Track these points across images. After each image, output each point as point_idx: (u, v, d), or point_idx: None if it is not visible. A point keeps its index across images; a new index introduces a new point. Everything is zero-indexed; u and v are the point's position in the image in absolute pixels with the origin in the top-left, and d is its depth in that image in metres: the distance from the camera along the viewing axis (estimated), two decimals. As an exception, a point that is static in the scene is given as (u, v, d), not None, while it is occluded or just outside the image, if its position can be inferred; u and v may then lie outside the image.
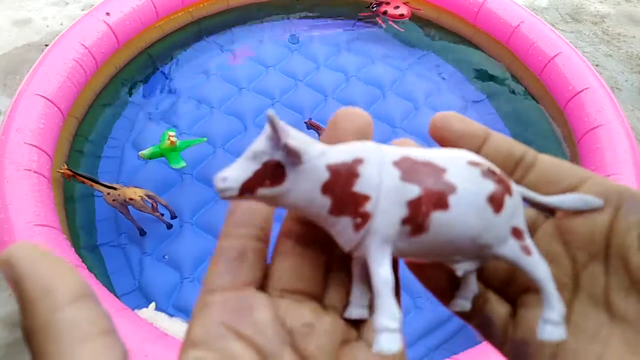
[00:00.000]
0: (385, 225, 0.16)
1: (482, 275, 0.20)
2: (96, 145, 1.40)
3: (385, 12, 1.68)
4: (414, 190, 0.16)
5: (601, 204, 0.17)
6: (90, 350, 0.12)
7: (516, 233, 0.18)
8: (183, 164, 1.25)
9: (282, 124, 0.16)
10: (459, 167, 0.17)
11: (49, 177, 1.15)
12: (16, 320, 1.15)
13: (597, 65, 1.87)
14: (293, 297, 0.18)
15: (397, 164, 0.17)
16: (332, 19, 1.82)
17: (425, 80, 1.63)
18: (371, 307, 0.18)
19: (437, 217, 0.16)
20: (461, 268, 0.18)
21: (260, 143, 0.16)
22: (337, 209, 0.16)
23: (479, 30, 1.67)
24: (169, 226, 1.23)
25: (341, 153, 0.17)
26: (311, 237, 0.18)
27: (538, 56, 1.50)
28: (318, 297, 0.18)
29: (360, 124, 0.18)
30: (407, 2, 1.70)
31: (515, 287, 0.20)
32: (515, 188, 0.18)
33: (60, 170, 1.18)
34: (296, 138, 0.16)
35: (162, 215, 1.21)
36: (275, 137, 0.16)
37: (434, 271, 0.20)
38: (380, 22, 1.72)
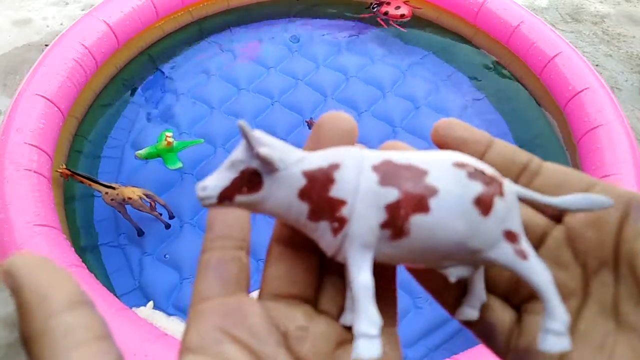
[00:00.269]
0: (362, 229, 0.16)
1: (486, 281, 0.19)
2: (96, 145, 1.40)
3: (386, 13, 1.68)
4: (392, 194, 0.16)
5: (611, 203, 0.17)
6: (85, 355, 0.13)
7: (509, 236, 0.17)
8: (179, 164, 1.25)
9: (254, 133, 0.16)
10: (442, 169, 0.17)
11: (49, 177, 1.15)
12: (16, 320, 1.15)
13: (597, 65, 1.87)
14: (286, 301, 0.18)
15: (377, 167, 0.16)
16: (332, 19, 1.82)
17: (425, 80, 1.63)
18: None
19: (418, 221, 0.16)
20: (453, 274, 0.18)
21: (238, 152, 0.17)
22: (315, 215, 0.16)
23: (479, 30, 1.67)
24: (168, 226, 1.23)
25: (318, 159, 0.17)
26: (302, 241, 0.18)
27: (538, 56, 1.50)
28: (311, 301, 0.18)
29: (345, 128, 0.18)
30: (407, 2, 1.70)
31: (520, 293, 0.19)
32: (511, 189, 0.17)
33: (59, 170, 1.18)
34: (272, 146, 0.16)
35: (161, 214, 1.21)
36: (249, 146, 0.16)
37: (435, 274, 0.20)
38: (381, 22, 1.71)
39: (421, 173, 0.16)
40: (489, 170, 0.17)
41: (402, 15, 1.68)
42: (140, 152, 1.24)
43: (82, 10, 1.95)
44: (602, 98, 1.33)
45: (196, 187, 0.17)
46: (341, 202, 0.16)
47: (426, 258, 0.17)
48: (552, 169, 0.19)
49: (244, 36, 1.74)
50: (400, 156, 0.17)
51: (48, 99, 1.23)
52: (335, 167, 0.17)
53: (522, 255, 0.17)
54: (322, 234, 0.17)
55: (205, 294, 0.17)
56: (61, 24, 1.88)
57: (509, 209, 0.17)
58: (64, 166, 1.19)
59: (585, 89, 1.36)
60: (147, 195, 1.16)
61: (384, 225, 0.16)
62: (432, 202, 0.16)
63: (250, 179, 0.17)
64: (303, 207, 0.17)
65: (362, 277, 0.16)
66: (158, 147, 1.24)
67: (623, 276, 0.17)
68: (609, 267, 0.17)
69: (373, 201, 0.16)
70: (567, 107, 1.39)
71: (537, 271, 0.17)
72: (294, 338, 0.17)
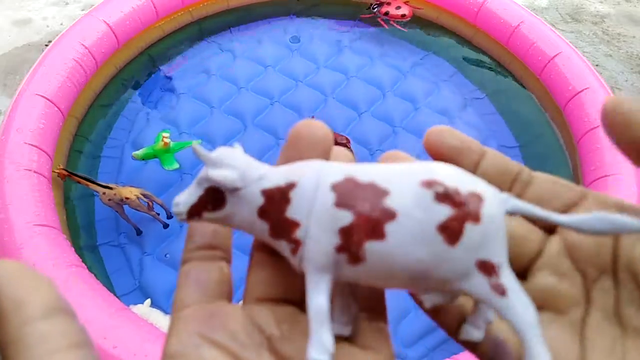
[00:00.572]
0: (317, 253, 0.15)
1: None
2: (96, 145, 1.40)
3: (387, 13, 1.68)
4: (346, 217, 0.15)
5: (638, 225, 0.15)
6: None
7: (484, 267, 0.15)
8: (176, 165, 1.25)
9: (211, 155, 0.16)
10: (406, 189, 0.15)
11: (49, 177, 1.15)
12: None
13: (597, 65, 1.87)
14: (270, 304, 0.18)
15: (336, 187, 0.16)
16: (332, 19, 1.82)
17: (425, 80, 1.63)
18: (355, 320, 0.18)
19: (373, 247, 0.15)
20: (428, 300, 0.17)
21: (203, 170, 0.17)
22: (275, 233, 0.16)
23: (479, 30, 1.67)
24: (165, 225, 1.23)
25: (278, 176, 0.17)
26: None
27: (538, 56, 1.50)
28: (297, 302, 0.18)
29: (319, 137, 0.18)
30: (407, 2, 1.70)
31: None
32: (493, 211, 0.15)
33: (56, 171, 1.18)
34: (232, 166, 0.16)
35: (158, 214, 1.21)
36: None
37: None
38: (382, 23, 1.71)
39: (382, 193, 0.15)
40: (476, 186, 0.15)
41: (403, 16, 1.68)
42: (137, 152, 1.25)
43: (82, 10, 1.95)
44: (602, 98, 1.32)
45: (173, 202, 0.18)
46: (295, 224, 0.16)
47: (391, 284, 0.16)
48: (543, 179, 0.18)
49: (244, 36, 1.74)
50: (365, 172, 0.16)
51: (48, 99, 1.23)
52: (291, 186, 0.16)
53: (499, 290, 0.15)
54: (284, 251, 0.17)
55: (186, 301, 0.18)
56: (61, 24, 1.88)
57: (486, 236, 0.15)
58: (61, 166, 1.20)
59: (585, 89, 1.36)
60: (144, 195, 1.16)
61: (339, 250, 0.15)
62: (389, 228, 0.15)
63: (215, 197, 0.17)
64: (264, 226, 0.16)
65: (315, 301, 0.15)
66: (155, 147, 1.24)
67: (623, 282, 0.17)
68: (609, 274, 0.17)
69: (327, 224, 0.15)
70: (567, 107, 1.39)
71: (517, 311, 0.15)
72: (276, 339, 0.17)
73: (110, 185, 1.16)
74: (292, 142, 0.18)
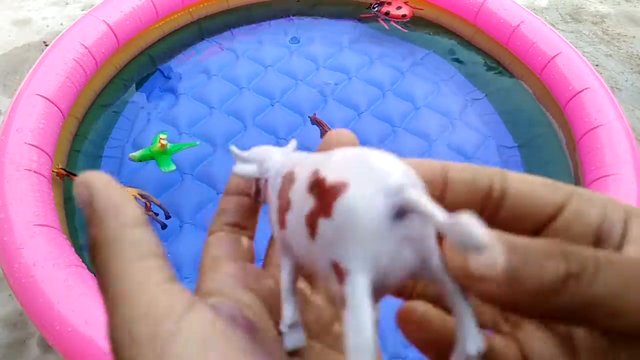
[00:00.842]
0: (275, 234, 0.17)
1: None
2: (96, 145, 1.40)
3: (387, 13, 1.68)
4: (276, 204, 0.17)
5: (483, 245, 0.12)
6: (147, 266, 0.14)
7: (336, 270, 0.13)
8: (173, 167, 1.25)
9: (241, 153, 0.21)
10: (302, 178, 0.15)
11: (49, 177, 1.15)
12: (16, 320, 1.15)
13: (597, 65, 1.87)
14: None
15: (284, 177, 0.17)
16: (333, 19, 1.82)
17: (426, 80, 1.63)
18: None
19: (283, 236, 0.16)
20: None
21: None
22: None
23: (479, 30, 1.67)
24: (164, 226, 1.22)
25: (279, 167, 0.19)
26: None
27: (538, 56, 1.50)
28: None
29: (346, 143, 0.20)
30: (408, 2, 1.70)
31: (510, 319, 0.17)
32: (350, 205, 0.12)
33: (55, 170, 1.18)
34: (256, 160, 0.20)
35: (157, 214, 1.21)
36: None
37: (419, 324, 0.17)
38: (383, 23, 1.71)
39: (291, 183, 0.16)
40: (351, 174, 0.13)
41: (404, 16, 1.68)
42: (134, 154, 1.24)
43: (82, 10, 1.95)
44: (602, 98, 1.33)
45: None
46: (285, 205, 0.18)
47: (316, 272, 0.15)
48: (518, 187, 0.15)
49: (244, 36, 1.74)
50: (304, 163, 0.16)
51: (48, 99, 1.23)
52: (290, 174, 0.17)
53: (340, 299, 0.12)
54: None
55: (217, 254, 0.19)
56: (61, 24, 1.88)
57: (339, 234, 0.13)
58: (60, 166, 1.20)
59: (585, 89, 1.36)
60: (142, 196, 1.16)
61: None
62: (287, 217, 0.15)
63: (257, 188, 0.20)
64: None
65: (281, 278, 0.17)
66: (152, 149, 1.24)
67: None
68: None
69: (275, 212, 0.17)
70: (567, 107, 1.39)
71: (351, 327, 0.12)
72: (301, 298, 0.18)
73: None
74: (323, 149, 0.20)
